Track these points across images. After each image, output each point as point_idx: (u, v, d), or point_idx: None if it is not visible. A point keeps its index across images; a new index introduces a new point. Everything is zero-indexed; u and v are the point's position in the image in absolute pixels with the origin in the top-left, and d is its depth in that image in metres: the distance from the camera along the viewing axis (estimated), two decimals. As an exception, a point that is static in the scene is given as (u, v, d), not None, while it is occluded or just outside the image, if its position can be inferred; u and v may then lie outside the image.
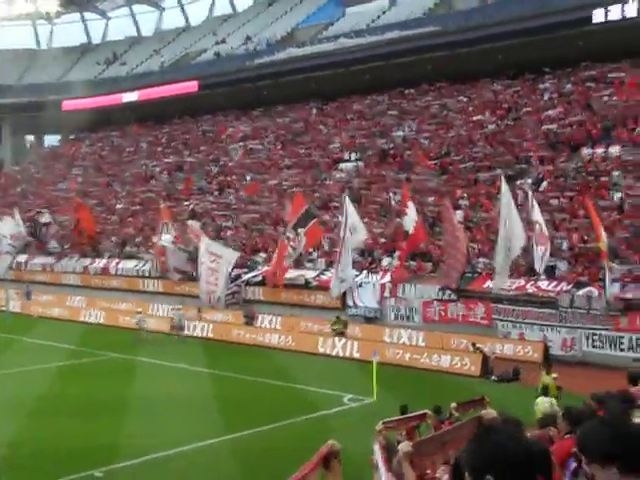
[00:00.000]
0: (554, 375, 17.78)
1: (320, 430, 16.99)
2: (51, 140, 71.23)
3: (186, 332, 30.95)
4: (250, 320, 31.14)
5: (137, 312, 32.44)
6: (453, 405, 7.88)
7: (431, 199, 33.14)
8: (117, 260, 40.83)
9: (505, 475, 2.46)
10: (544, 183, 30.91)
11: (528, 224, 24.86)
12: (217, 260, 31.06)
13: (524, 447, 2.51)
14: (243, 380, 22.96)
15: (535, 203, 24.98)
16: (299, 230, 30.12)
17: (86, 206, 45.22)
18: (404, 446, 3.53)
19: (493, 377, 22.17)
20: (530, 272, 25.72)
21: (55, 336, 31.61)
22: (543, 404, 14.92)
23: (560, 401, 15.05)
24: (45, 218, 45.23)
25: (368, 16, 49.95)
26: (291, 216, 30.76)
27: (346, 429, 16.38)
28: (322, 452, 3.66)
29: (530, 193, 25.97)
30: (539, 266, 24.60)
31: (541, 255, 24.25)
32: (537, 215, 24.60)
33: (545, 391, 15.86)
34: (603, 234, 22.79)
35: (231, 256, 31.83)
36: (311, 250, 33.11)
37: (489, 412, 3.70)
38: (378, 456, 4.12)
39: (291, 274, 31.79)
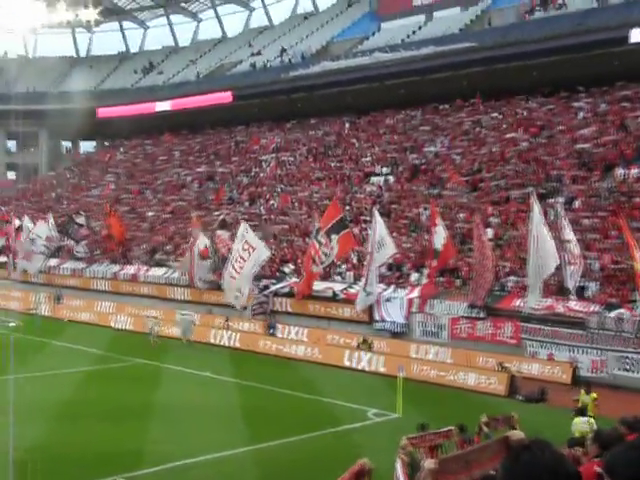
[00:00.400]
0: (594, 395, 17.69)
1: (344, 444, 16.97)
2: (87, 146, 72.27)
3: (213, 341, 31.16)
4: (270, 330, 31.25)
5: (151, 316, 33.14)
6: (484, 420, 7.81)
7: (462, 215, 33.03)
8: (146, 267, 41.18)
9: None
10: (576, 202, 30.66)
11: (560, 243, 24.65)
12: (249, 250, 31.29)
13: (555, 469, 2.51)
14: (268, 391, 22.99)
15: (566, 222, 24.79)
16: (332, 236, 30.15)
17: (116, 213, 45.71)
18: (429, 463, 3.52)
19: (520, 397, 21.95)
20: (560, 292, 25.48)
21: (83, 340, 31.95)
22: (581, 424, 14.89)
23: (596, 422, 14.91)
24: (81, 220, 45.84)
25: (404, 31, 50.05)
26: (325, 221, 30.82)
27: (370, 444, 16.31)
28: (353, 470, 3.65)
29: (562, 212, 25.76)
30: (571, 285, 24.36)
31: (571, 274, 24.01)
32: (569, 234, 24.40)
33: (582, 411, 15.79)
34: (638, 255, 22.51)
35: (262, 252, 31.99)
36: (339, 262, 33.12)
37: (516, 433, 3.68)
38: (400, 473, 4.11)
39: (319, 286, 31.85)
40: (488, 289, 26.15)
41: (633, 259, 22.50)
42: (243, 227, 32.52)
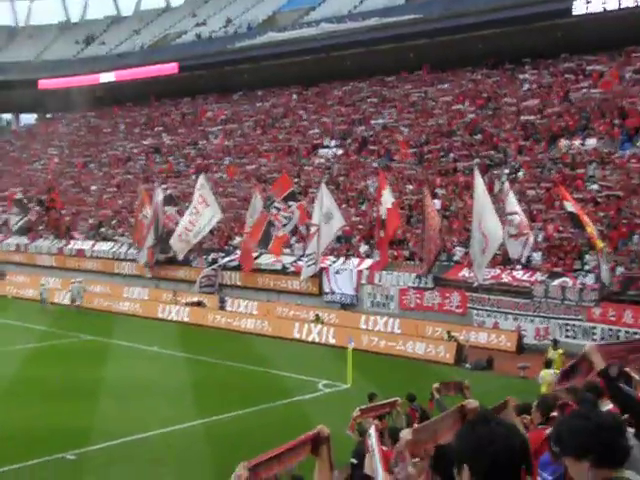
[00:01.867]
0: (560, 351, 18.83)
1: (294, 415, 17.07)
2: (28, 119, 70.43)
3: (161, 316, 31.00)
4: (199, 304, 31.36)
5: (41, 284, 34.64)
6: (435, 386, 7.93)
7: (410, 187, 33.23)
8: (92, 242, 40.55)
9: (483, 466, 2.50)
10: (521, 173, 31.10)
11: (504, 215, 24.96)
12: (203, 205, 32.46)
13: (508, 441, 2.55)
14: (218, 365, 22.94)
15: (511, 194, 25.09)
16: (290, 203, 30.45)
17: (57, 189, 44.79)
18: (405, 434, 3.52)
19: (467, 365, 22.35)
20: (507, 262, 25.90)
21: (29, 317, 31.37)
22: (548, 375, 16.03)
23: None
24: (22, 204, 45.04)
25: (350, 2, 49.78)
26: (279, 191, 31.13)
27: (320, 415, 16.40)
28: (309, 435, 3.64)
29: (507, 184, 26.07)
30: (520, 255, 24.65)
31: (523, 244, 24.26)
32: (514, 207, 24.66)
33: (548, 365, 16.95)
34: (588, 220, 22.90)
35: (215, 212, 32.99)
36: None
37: (471, 402, 3.72)
38: (374, 441, 4.08)
39: (268, 259, 31.85)
40: (432, 260, 26.44)
41: (585, 224, 22.72)
42: (202, 179, 33.58)
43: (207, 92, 53.65)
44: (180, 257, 33.90)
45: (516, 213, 24.45)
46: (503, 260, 26.12)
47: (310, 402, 18.78)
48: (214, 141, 47.93)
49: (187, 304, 31.49)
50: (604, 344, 3.59)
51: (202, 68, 51.64)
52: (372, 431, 4.39)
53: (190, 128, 51.57)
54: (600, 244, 22.48)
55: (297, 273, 30.31)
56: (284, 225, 30.79)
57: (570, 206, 23.33)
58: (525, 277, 25.12)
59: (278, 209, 30.64)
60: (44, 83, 60.29)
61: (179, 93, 54.67)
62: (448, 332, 24.06)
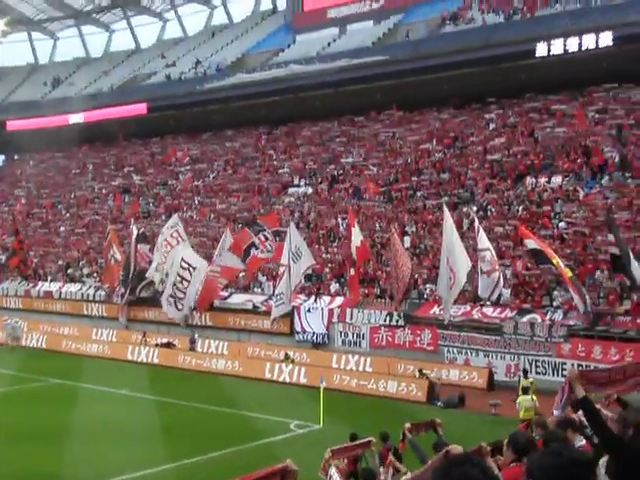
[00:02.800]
0: (531, 380, 20.34)
1: (266, 457, 16.85)
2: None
3: (130, 358, 30.64)
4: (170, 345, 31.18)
5: (11, 322, 35.32)
6: (407, 426, 7.94)
7: (379, 226, 33.47)
8: (61, 284, 40.08)
9: None
10: (489, 211, 31.47)
11: (474, 251, 25.18)
12: (189, 270, 32.02)
13: None
14: (188, 407, 22.66)
15: (482, 230, 25.31)
16: (277, 238, 30.58)
17: (24, 231, 44.22)
18: None
19: (439, 403, 22.33)
20: (477, 298, 26.05)
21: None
22: (525, 401, 17.77)
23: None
24: None
25: (318, 44, 50.46)
26: (269, 224, 31.43)
27: (293, 456, 16.21)
28: (276, 467, 3.66)
29: (476, 221, 26.34)
30: (490, 293, 24.65)
31: (495, 282, 24.26)
32: (486, 242, 24.77)
33: (525, 391, 18.48)
34: (552, 252, 23.18)
35: (203, 268, 32.46)
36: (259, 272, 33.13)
37: (456, 447, 3.78)
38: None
39: (238, 299, 31.74)
40: (400, 297, 26.50)
41: (551, 257, 22.92)
42: (175, 219, 34.22)
43: (176, 132, 53.77)
44: (160, 288, 33.49)
45: (488, 249, 24.60)
46: (473, 297, 26.29)
47: (282, 443, 18.61)
48: (183, 181, 47.93)
49: (157, 345, 31.18)
50: (585, 371, 3.66)
51: (171, 109, 51.79)
52: (332, 472, 4.42)
53: (159, 168, 51.56)
54: (569, 273, 22.78)
55: (268, 312, 30.19)
56: (268, 251, 30.97)
57: (532, 243, 23.60)
58: (495, 314, 25.29)
59: (267, 238, 30.79)
60: (12, 124, 59.99)
61: (148, 133, 54.72)
62: (420, 370, 24.06)
